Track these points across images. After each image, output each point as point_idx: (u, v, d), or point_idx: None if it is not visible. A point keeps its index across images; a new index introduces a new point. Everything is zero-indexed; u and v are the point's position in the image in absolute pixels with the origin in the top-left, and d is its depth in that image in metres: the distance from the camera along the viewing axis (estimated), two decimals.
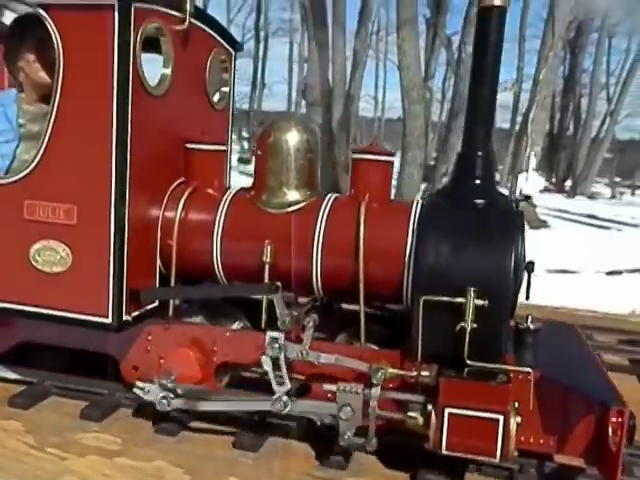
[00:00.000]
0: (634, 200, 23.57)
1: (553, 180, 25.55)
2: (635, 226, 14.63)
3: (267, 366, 2.65)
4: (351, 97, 16.60)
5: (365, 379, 2.63)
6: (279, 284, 2.71)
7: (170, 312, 3.02)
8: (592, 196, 23.19)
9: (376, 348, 2.87)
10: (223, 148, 3.19)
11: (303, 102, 18.31)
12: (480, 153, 2.78)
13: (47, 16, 2.66)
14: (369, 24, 19.31)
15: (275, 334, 2.61)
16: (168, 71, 2.94)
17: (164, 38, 2.89)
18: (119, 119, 2.65)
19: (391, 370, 2.56)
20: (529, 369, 2.48)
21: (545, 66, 11.65)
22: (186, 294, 3.07)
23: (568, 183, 24.59)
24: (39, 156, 2.76)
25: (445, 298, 2.51)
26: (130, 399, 3.09)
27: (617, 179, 27.37)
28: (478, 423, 2.41)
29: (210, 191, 3.09)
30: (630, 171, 28.16)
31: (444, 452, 2.48)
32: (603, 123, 25.51)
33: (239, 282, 3.07)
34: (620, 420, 2.32)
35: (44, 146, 2.75)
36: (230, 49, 3.54)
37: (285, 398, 2.67)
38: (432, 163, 12.40)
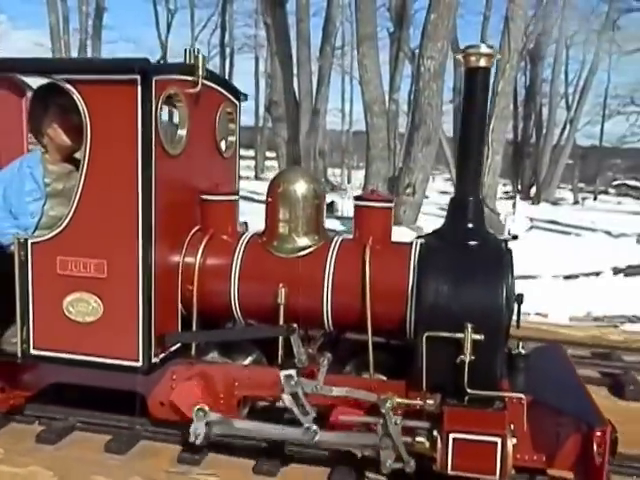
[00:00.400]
0: (596, 205, 24.22)
1: (519, 187, 26.22)
2: (594, 230, 15.02)
3: (288, 402, 2.92)
4: (317, 111, 16.94)
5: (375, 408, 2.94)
6: (295, 326, 3.00)
7: (193, 352, 3.29)
8: (556, 202, 23.87)
9: (383, 377, 3.16)
10: (235, 198, 3.47)
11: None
12: (471, 198, 3.09)
13: (74, 90, 2.93)
14: (332, 39, 19.76)
15: (288, 372, 2.89)
16: (184, 132, 3.21)
17: (179, 103, 3.16)
18: (144, 179, 2.91)
19: (398, 400, 2.85)
20: (522, 395, 2.78)
21: (502, 78, 12.04)
22: (208, 337, 3.33)
23: (534, 190, 25.21)
24: (70, 215, 3.02)
25: (446, 334, 2.80)
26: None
27: (581, 185, 28.18)
28: (479, 446, 2.71)
29: (225, 237, 3.36)
30: (593, 177, 29.07)
31: (450, 472, 2.78)
32: (563, 131, 26.44)
33: (255, 321, 3.35)
34: (603, 438, 2.63)
35: (74, 206, 3.01)
36: (235, 100, 3.82)
37: (314, 427, 2.94)
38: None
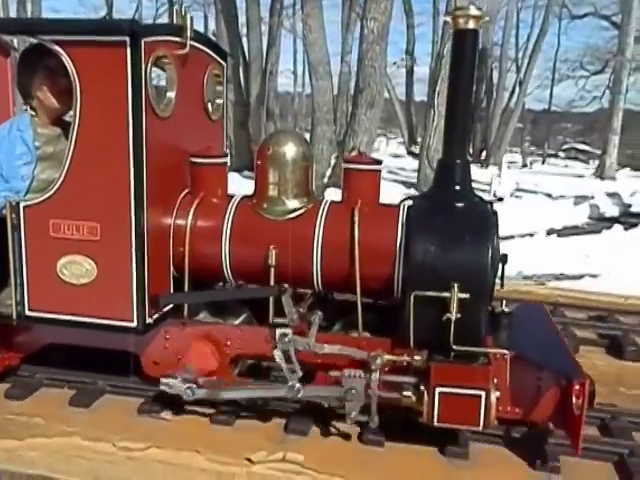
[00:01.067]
0: (544, 168, 24.55)
1: (470, 151, 26.50)
2: (535, 193, 15.24)
3: (279, 359, 3.01)
4: (268, 72, 16.64)
5: (361, 364, 3.04)
6: (287, 286, 3.08)
7: (185, 313, 3.37)
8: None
9: (368, 335, 3.26)
10: (225, 160, 3.49)
11: None
12: (459, 161, 3.14)
13: (62, 51, 2.91)
14: None
15: (284, 330, 2.98)
16: (173, 94, 3.21)
17: (168, 65, 3.15)
18: (135, 142, 2.93)
19: (387, 356, 2.96)
20: (505, 350, 2.90)
21: (448, 40, 12.07)
22: (201, 298, 3.40)
23: (485, 154, 25.48)
24: (62, 178, 3.03)
25: (433, 293, 2.90)
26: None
27: (532, 148, 28.50)
28: (464, 399, 2.84)
29: (215, 200, 3.40)
30: (543, 140, 29.45)
31: (435, 424, 2.91)
32: (512, 94, 26.66)
33: (245, 282, 3.42)
34: (582, 390, 2.76)
35: (66, 169, 3.02)
36: (222, 61, 3.81)
37: (298, 385, 3.04)
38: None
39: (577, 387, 2.83)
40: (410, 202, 3.29)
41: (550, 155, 28.87)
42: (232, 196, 3.45)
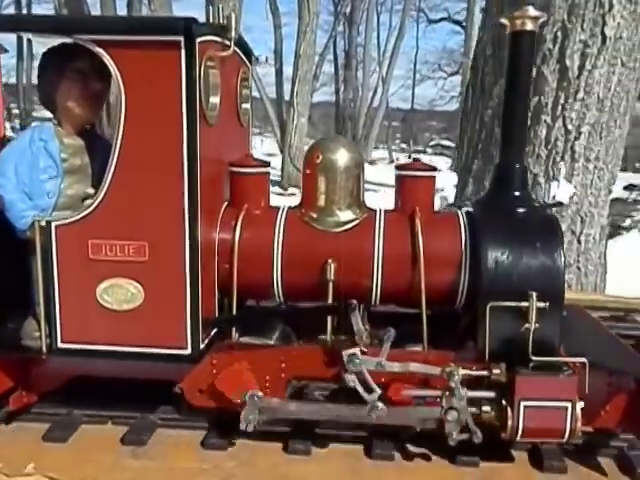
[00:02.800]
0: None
1: None
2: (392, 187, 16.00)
3: (352, 382, 2.83)
4: None
5: (426, 381, 2.92)
6: (355, 302, 2.88)
7: (233, 335, 3.11)
8: (372, 162, 25.18)
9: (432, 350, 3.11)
10: (267, 170, 3.26)
11: None
12: (517, 166, 3.06)
13: (104, 52, 2.61)
14: None
15: (351, 351, 2.80)
16: (217, 100, 2.95)
17: (213, 68, 2.90)
18: (190, 152, 2.66)
19: (462, 371, 2.82)
20: (584, 359, 2.83)
21: (304, 41, 12.28)
22: (263, 315, 3.16)
23: None
24: (102, 193, 2.72)
25: (511, 303, 2.79)
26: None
27: (403, 145, 30.01)
28: (550, 411, 2.75)
29: (260, 212, 3.16)
30: (411, 137, 31.23)
31: (519, 439, 2.81)
32: (375, 94, 27.96)
33: (296, 299, 3.20)
34: None
35: (107, 183, 2.71)
36: (248, 64, 3.57)
37: (380, 405, 2.86)
38: None
39: None
40: (467, 209, 3.18)
41: (418, 151, 30.25)
42: (277, 207, 3.22)
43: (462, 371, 2.83)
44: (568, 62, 4.89)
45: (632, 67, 5.09)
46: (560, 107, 4.81)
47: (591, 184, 5.38)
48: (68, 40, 2.76)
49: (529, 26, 2.94)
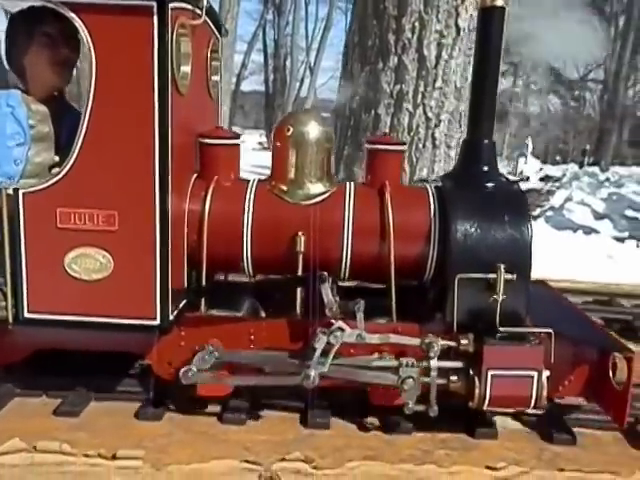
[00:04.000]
0: None
1: (264, 139, 27.75)
2: None
3: (318, 345, 2.84)
4: None
5: (396, 352, 2.96)
6: (326, 274, 2.90)
7: (202, 306, 3.10)
8: None
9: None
10: (238, 141, 3.24)
11: None
12: (486, 141, 3.11)
13: (76, 16, 2.56)
14: None
15: (341, 324, 2.81)
16: (188, 69, 2.93)
17: (184, 36, 2.87)
18: (161, 120, 2.63)
19: (442, 342, 2.87)
20: (550, 330, 2.89)
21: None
22: (233, 288, 3.15)
23: None
24: (71, 161, 2.67)
25: (479, 275, 2.84)
26: None
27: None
28: (516, 381, 2.81)
29: (230, 184, 3.15)
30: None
31: (485, 408, 2.87)
32: (302, 84, 28.34)
33: (265, 273, 3.21)
34: (630, 365, 2.81)
35: (77, 150, 2.67)
36: (219, 36, 3.55)
37: (313, 374, 2.88)
38: None
39: (615, 361, 2.89)
40: (436, 183, 3.22)
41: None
42: (247, 180, 3.21)
43: (441, 342, 2.87)
44: (426, 52, 5.08)
45: None
46: (420, 95, 5.01)
47: None
48: (37, 3, 2.70)
49: (499, 2, 2.99)
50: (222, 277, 3.52)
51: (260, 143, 25.20)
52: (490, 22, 3.03)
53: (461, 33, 5.17)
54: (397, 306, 3.11)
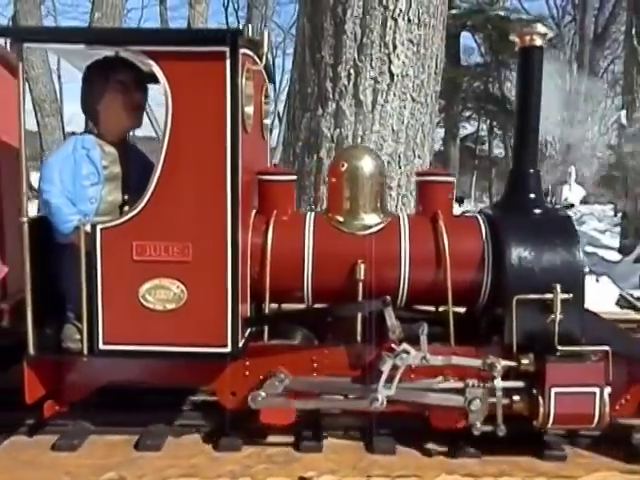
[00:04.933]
0: None
1: None
2: None
3: (385, 367, 2.93)
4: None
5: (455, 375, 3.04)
6: (389, 298, 3.02)
7: (265, 336, 3.20)
8: None
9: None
10: (294, 178, 3.41)
11: None
12: (531, 170, 3.28)
13: (154, 62, 2.76)
14: None
15: (407, 347, 2.91)
16: (251, 110, 3.12)
17: (248, 79, 3.06)
18: (233, 157, 2.80)
19: (503, 362, 2.96)
20: (607, 348, 2.99)
21: None
22: (297, 316, 3.26)
23: None
24: (147, 196, 2.83)
25: (536, 296, 2.96)
26: None
27: None
28: (579, 398, 2.89)
29: (287, 218, 3.30)
30: None
31: (550, 427, 2.93)
32: (271, 133, 29.40)
33: (324, 302, 3.31)
34: None
35: (153, 186, 2.82)
36: (268, 82, 3.76)
37: (382, 397, 2.96)
38: None
39: None
40: (486, 212, 3.37)
41: None
42: (304, 213, 3.36)
43: (502, 362, 2.96)
44: (362, 97, 5.24)
45: (423, 102, 5.51)
46: (359, 139, 5.12)
47: (396, 210, 5.57)
48: (112, 53, 2.91)
49: (538, 42, 3.20)
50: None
51: None
52: (530, 60, 3.23)
53: (395, 79, 5.36)
54: (445, 332, 3.22)
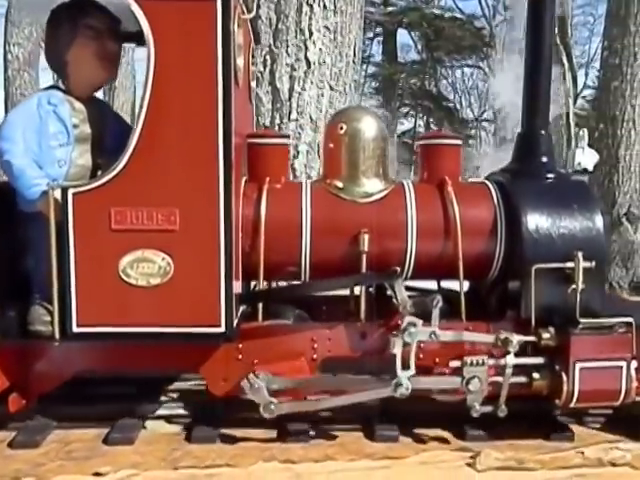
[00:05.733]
0: None
1: None
2: None
3: (397, 349, 2.66)
4: None
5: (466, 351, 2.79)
6: (398, 269, 2.74)
7: (260, 316, 2.89)
8: None
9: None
10: (288, 141, 3.10)
11: None
12: (542, 132, 3.05)
13: (136, 4, 2.41)
14: None
15: (413, 319, 2.64)
16: (241, 62, 2.80)
17: (238, 28, 2.74)
18: (225, 112, 2.48)
19: (518, 337, 2.72)
20: (631, 319, 2.77)
21: (120, 72, 12.67)
22: (300, 291, 2.98)
23: None
24: (127, 157, 2.48)
25: (557, 265, 2.73)
26: None
27: None
28: (605, 373, 2.67)
29: (281, 186, 2.99)
30: None
31: (573, 405, 2.71)
32: None
33: (323, 275, 3.01)
34: None
35: (133, 146, 2.47)
36: (254, 41, 3.44)
37: (406, 381, 2.70)
38: None
39: None
40: (495, 178, 3.13)
41: None
42: (299, 181, 3.06)
43: (517, 337, 2.72)
44: (279, 84, 5.09)
45: (342, 91, 5.37)
46: (277, 127, 4.98)
47: None
48: None
49: None
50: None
51: None
52: (541, 14, 3.00)
53: (312, 66, 5.19)
54: (452, 308, 2.97)
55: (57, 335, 2.55)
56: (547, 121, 3.09)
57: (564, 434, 2.82)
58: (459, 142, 3.13)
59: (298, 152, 5.07)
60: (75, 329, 2.55)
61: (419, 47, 25.54)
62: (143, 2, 2.41)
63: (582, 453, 2.63)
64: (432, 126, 27.76)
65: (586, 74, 23.62)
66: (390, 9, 21.31)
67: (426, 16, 22.97)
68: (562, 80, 14.62)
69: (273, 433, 2.83)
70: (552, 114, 3.27)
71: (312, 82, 5.09)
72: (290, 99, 5.09)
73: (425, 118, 28.23)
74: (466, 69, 28.24)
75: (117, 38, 2.76)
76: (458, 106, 28.95)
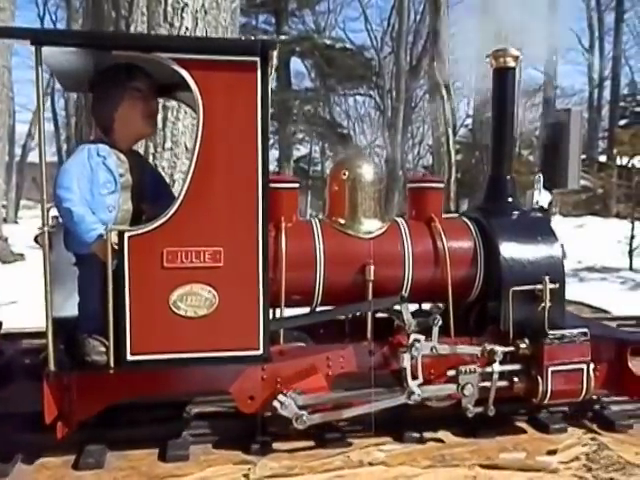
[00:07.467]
0: None
1: None
2: None
3: (406, 363, 3.14)
4: None
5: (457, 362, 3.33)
6: (406, 294, 3.23)
7: (281, 339, 3.28)
8: None
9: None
10: (298, 185, 3.53)
11: None
12: (508, 177, 3.67)
13: (185, 71, 2.78)
14: None
15: (417, 336, 3.13)
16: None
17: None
18: (263, 163, 2.88)
19: (502, 348, 3.27)
20: (585, 329, 3.41)
21: None
22: (318, 318, 3.36)
23: None
24: (178, 202, 2.82)
25: (529, 287, 3.32)
26: None
27: None
28: (570, 374, 3.27)
29: (292, 224, 3.41)
30: None
31: (546, 402, 3.29)
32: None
33: (334, 303, 3.46)
34: None
35: (184, 192, 2.83)
36: None
37: (417, 389, 3.18)
38: None
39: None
40: (469, 214, 3.71)
41: None
42: (308, 219, 3.50)
43: (500, 348, 3.27)
44: None
45: None
46: (151, 157, 4.98)
47: None
48: (124, 61, 2.89)
49: (511, 63, 3.61)
50: None
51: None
52: (504, 79, 3.63)
53: None
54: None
55: (112, 364, 2.84)
56: (511, 167, 3.71)
57: (342, 441, 3.30)
58: (442, 185, 3.69)
59: (174, 181, 5.11)
60: (129, 357, 2.84)
61: (312, 75, 26.26)
62: (193, 70, 2.79)
63: (348, 457, 3.12)
64: (327, 151, 28.61)
65: (467, 103, 25.52)
66: (283, 37, 21.75)
67: (318, 45, 23.72)
68: (442, 111, 15.65)
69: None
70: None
71: (186, 112, 5.11)
72: (164, 129, 5.09)
73: (320, 144, 29.14)
74: (358, 97, 29.54)
75: (156, 96, 3.10)
76: (352, 132, 30.27)
